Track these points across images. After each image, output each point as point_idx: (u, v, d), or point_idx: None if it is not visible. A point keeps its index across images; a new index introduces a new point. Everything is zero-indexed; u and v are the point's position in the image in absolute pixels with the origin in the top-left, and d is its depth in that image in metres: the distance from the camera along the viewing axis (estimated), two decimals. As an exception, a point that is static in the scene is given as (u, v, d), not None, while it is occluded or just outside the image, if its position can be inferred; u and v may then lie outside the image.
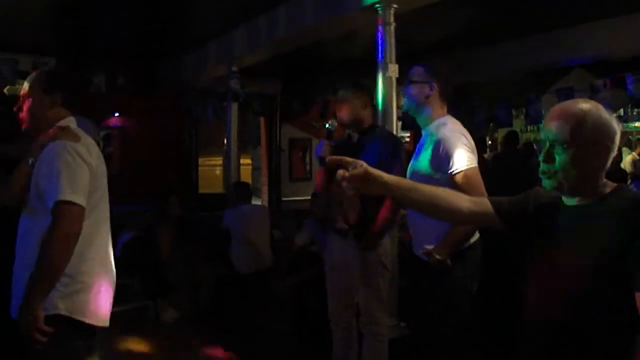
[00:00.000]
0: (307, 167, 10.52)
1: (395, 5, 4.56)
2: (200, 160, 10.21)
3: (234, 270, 6.48)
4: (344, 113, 4.32)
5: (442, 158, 3.32)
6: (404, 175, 3.91)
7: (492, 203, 2.27)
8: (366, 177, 2.09)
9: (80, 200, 2.67)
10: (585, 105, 2.02)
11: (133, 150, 8.22)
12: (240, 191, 6.99)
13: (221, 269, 6.69)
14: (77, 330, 2.72)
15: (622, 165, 8.93)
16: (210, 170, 12.13)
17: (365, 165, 2.10)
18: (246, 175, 10.62)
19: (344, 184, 2.10)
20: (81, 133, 2.89)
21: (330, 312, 4.53)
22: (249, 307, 6.16)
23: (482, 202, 2.30)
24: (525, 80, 8.26)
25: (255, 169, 13.35)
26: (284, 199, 10.17)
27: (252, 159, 14.09)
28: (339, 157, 2.14)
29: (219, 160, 12.74)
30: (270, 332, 5.86)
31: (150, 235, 6.60)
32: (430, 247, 3.39)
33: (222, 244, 6.63)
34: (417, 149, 3.66)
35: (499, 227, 2.28)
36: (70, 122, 2.96)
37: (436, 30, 6.71)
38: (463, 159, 3.31)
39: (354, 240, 4.25)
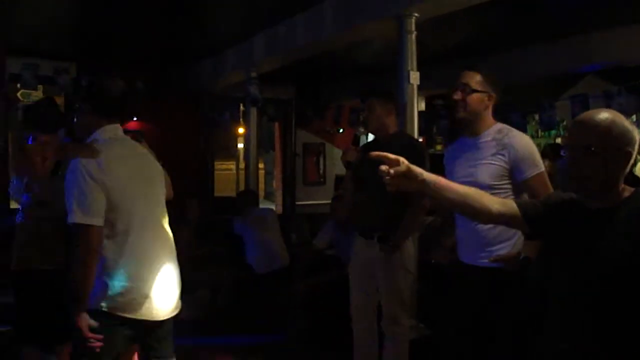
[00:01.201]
0: (321, 171, 10.60)
1: (416, 14, 4.65)
2: (215, 164, 10.31)
3: (251, 271, 6.59)
4: (369, 120, 4.44)
5: (515, 164, 3.36)
6: None
7: (519, 205, 2.37)
8: (407, 174, 2.19)
9: (93, 220, 2.80)
10: (609, 114, 2.16)
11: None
12: (246, 198, 7.14)
13: (238, 270, 6.80)
14: (115, 322, 2.92)
15: (634, 171, 8.97)
16: (224, 174, 12.24)
17: (406, 162, 2.19)
18: (259, 180, 10.70)
19: (386, 179, 2.19)
20: (106, 145, 2.98)
21: (352, 313, 4.63)
22: (267, 307, 6.25)
23: (509, 204, 2.39)
24: (538, 87, 8.34)
25: (268, 173, 13.42)
26: (298, 202, 10.24)
27: (264, 164, 14.17)
28: (381, 153, 2.23)
29: (230, 165, 12.85)
30: (288, 333, 5.95)
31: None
32: (502, 252, 3.39)
33: (237, 247, 6.75)
34: (458, 158, 3.69)
35: (523, 229, 2.39)
36: (105, 131, 3.05)
37: (450, 37, 6.80)
38: (538, 163, 3.38)
39: (378, 242, 4.35)
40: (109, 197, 2.86)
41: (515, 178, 3.38)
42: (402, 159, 2.19)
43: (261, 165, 13.75)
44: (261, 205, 8.33)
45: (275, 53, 6.65)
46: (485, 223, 3.02)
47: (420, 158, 4.22)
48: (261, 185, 15.17)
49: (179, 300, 3.19)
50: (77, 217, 2.77)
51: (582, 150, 2.12)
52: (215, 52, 7.82)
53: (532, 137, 10.90)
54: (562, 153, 2.26)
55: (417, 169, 2.21)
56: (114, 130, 3.08)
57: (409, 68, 4.67)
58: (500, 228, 3.37)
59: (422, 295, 4.93)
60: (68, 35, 7.23)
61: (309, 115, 9.90)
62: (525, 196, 3.40)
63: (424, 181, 2.23)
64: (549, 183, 3.39)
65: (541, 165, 3.39)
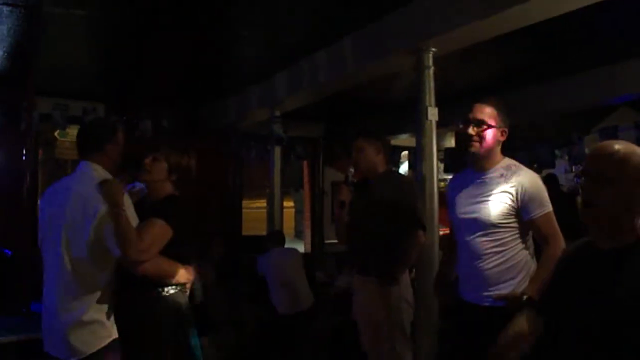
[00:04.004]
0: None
1: (433, 49, 4.60)
2: (244, 203, 10.28)
3: (275, 311, 6.52)
4: (359, 160, 4.55)
5: (524, 202, 3.30)
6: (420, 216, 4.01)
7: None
8: None
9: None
10: (627, 145, 2.10)
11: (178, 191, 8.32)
12: (274, 238, 7.10)
13: (263, 310, 6.74)
14: None
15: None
16: (254, 213, 12.20)
17: None
18: (289, 218, 10.67)
19: None
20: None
21: (366, 350, 4.59)
22: (291, 347, 6.17)
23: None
24: (568, 120, 8.19)
25: (298, 211, 13.41)
26: (326, 241, 10.15)
27: (294, 202, 14.16)
28: None
29: (262, 203, 12.86)
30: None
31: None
32: (506, 291, 3.32)
33: (261, 286, 6.71)
34: (460, 193, 3.62)
35: None
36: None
37: (475, 71, 6.73)
38: (546, 202, 3.32)
39: (375, 278, 4.33)
40: None
41: (522, 217, 3.31)
42: None
43: (292, 204, 13.75)
44: (292, 245, 8.29)
45: (297, 91, 6.63)
46: None
47: (410, 196, 4.34)
48: (291, 224, 15.17)
49: (71, 349, 3.21)
50: None
51: (596, 178, 2.06)
52: (239, 90, 7.85)
53: (565, 172, 10.77)
54: (577, 181, 2.22)
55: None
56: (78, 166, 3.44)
57: (427, 104, 4.60)
58: (503, 267, 3.33)
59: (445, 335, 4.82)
60: (96, 76, 7.32)
61: (337, 153, 9.87)
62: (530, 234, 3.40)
63: None
64: (555, 222, 3.32)
65: (549, 205, 3.32)
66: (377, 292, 4.36)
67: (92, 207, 3.17)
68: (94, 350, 3.20)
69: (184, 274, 3.56)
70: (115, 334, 3.29)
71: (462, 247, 3.58)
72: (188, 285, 3.65)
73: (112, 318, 3.31)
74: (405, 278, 4.42)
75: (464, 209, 3.53)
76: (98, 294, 3.23)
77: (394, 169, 4.87)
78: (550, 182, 8.18)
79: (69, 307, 3.19)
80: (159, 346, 3.41)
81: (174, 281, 3.49)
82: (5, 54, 5.93)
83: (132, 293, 3.37)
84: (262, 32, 5.60)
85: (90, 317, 3.19)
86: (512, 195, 3.31)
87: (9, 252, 6.92)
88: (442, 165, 8.78)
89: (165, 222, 3.39)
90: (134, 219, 3.29)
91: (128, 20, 5.22)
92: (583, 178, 2.14)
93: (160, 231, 3.37)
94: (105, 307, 3.26)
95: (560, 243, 3.26)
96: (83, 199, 3.21)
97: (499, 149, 3.50)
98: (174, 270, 3.49)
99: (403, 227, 4.28)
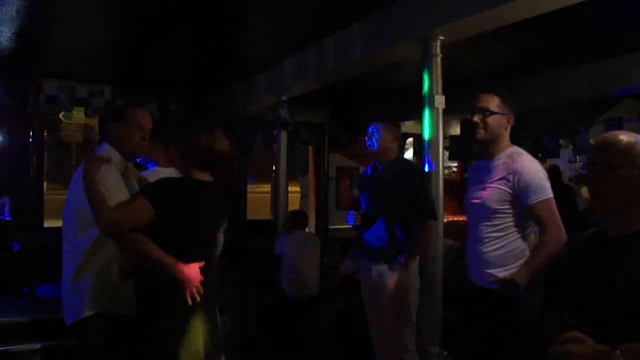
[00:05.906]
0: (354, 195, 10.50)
1: (441, 37, 4.59)
2: (249, 188, 10.29)
3: (282, 295, 6.55)
4: (376, 141, 4.67)
5: (520, 189, 3.38)
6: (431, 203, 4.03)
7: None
8: None
9: None
10: (631, 134, 2.17)
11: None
12: (296, 219, 7.10)
13: (269, 294, 6.77)
14: None
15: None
16: (259, 197, 12.21)
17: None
18: (294, 203, 10.65)
19: None
20: None
21: (371, 337, 4.65)
22: (296, 332, 6.20)
23: None
24: (573, 110, 8.19)
25: (304, 196, 13.41)
26: (331, 226, 10.17)
27: (300, 187, 14.14)
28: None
29: (267, 188, 12.88)
30: (316, 358, 5.90)
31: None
32: (501, 275, 3.40)
33: (272, 269, 6.73)
34: (474, 180, 3.70)
35: None
36: None
37: (482, 59, 6.72)
38: (544, 189, 3.39)
39: (386, 264, 4.40)
40: None
41: (521, 203, 3.38)
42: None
43: (297, 189, 13.73)
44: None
45: (304, 76, 6.64)
46: None
47: (421, 182, 4.46)
48: (296, 209, 15.15)
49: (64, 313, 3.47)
50: None
51: (602, 166, 2.12)
52: (247, 76, 7.85)
53: (570, 162, 10.74)
54: (583, 171, 2.25)
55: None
56: None
57: (434, 92, 4.60)
58: (500, 252, 3.41)
59: (449, 323, 4.86)
60: (103, 59, 7.32)
61: (342, 138, 9.87)
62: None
63: None
64: (555, 210, 3.38)
65: (548, 192, 3.39)
66: (386, 279, 4.41)
67: (77, 181, 3.37)
68: (77, 318, 3.36)
69: (181, 271, 3.17)
70: (101, 309, 3.36)
71: (469, 231, 3.70)
72: (190, 287, 3.24)
73: (102, 291, 3.37)
74: (414, 265, 4.46)
75: (472, 194, 3.67)
76: (83, 262, 3.37)
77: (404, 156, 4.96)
78: (552, 173, 8.17)
79: (66, 275, 3.45)
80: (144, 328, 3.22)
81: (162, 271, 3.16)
82: (13, 35, 5.93)
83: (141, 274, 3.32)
84: (270, 19, 5.59)
85: (74, 285, 3.38)
86: (509, 182, 3.42)
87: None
88: (447, 153, 8.80)
89: (144, 198, 3.16)
90: (119, 193, 3.32)
91: (136, 3, 5.22)
92: (590, 169, 2.18)
93: (137, 207, 3.14)
94: (91, 277, 3.37)
95: (556, 231, 3.33)
96: (76, 175, 3.44)
97: (505, 135, 3.59)
98: (158, 256, 3.14)
99: (414, 215, 4.34)
